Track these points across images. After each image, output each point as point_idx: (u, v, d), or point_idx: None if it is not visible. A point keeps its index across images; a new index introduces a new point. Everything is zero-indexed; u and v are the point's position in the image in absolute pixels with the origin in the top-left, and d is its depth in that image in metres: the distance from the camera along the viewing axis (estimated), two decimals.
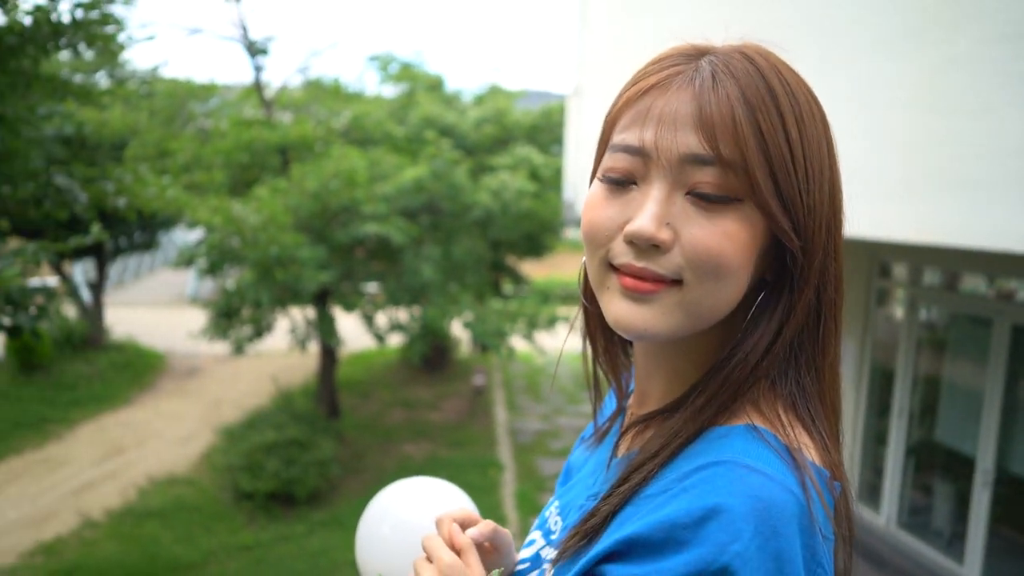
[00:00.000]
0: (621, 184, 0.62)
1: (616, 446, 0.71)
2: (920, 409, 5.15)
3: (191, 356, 11.89)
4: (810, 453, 0.60)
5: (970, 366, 4.73)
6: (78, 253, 10.17)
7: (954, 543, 4.63)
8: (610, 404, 0.85)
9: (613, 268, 0.62)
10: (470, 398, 10.07)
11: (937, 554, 4.69)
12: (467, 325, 7.88)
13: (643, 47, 0.82)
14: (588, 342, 0.80)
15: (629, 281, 0.60)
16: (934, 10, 3.04)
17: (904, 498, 5.17)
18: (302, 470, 6.95)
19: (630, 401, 0.77)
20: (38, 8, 2.83)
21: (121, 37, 3.36)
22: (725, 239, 0.58)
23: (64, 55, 3.47)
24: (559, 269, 15.20)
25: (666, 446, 0.60)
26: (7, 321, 2.96)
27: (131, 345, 11.69)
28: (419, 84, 10.31)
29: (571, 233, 12.20)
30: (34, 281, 3.33)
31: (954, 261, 4.69)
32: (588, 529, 0.61)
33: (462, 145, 9.07)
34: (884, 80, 3.29)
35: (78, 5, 2.90)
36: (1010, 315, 4.31)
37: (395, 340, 8.67)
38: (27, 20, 2.77)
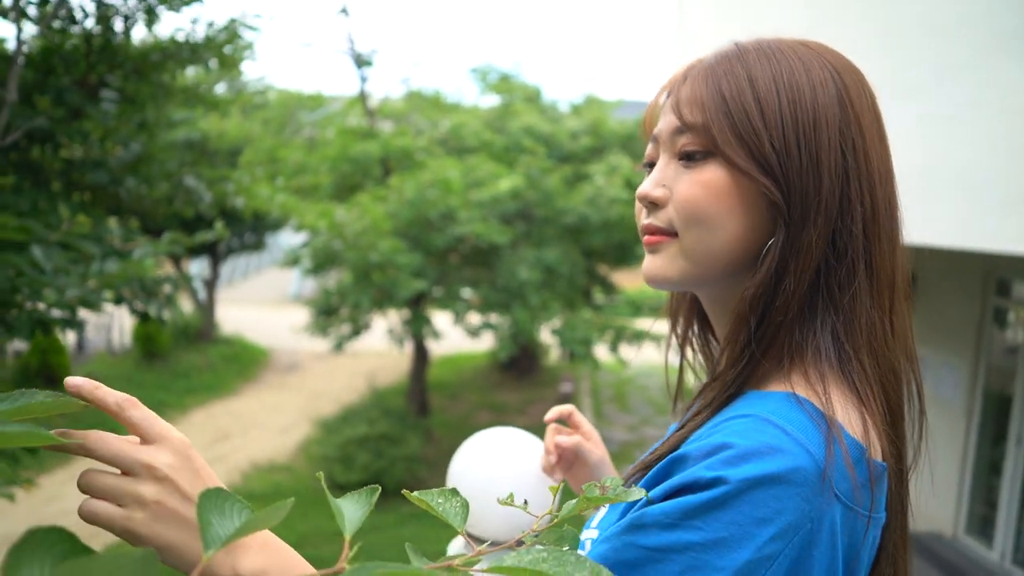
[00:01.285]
0: (650, 166, 0.76)
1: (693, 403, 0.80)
2: None
3: (293, 352, 12.53)
4: (851, 426, 0.63)
5: None
6: (195, 251, 10.95)
7: None
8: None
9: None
10: (557, 404, 10.10)
11: None
12: (555, 332, 7.93)
13: None
14: (677, 323, 0.87)
15: (645, 238, 0.73)
16: None
17: (1022, 533, 4.80)
18: (390, 463, 7.19)
19: None
20: (179, 30, 3.16)
21: (245, 53, 3.65)
22: (700, 187, 0.67)
23: (192, 68, 3.82)
24: None
25: (716, 397, 0.68)
26: (139, 307, 3.23)
27: (239, 339, 12.45)
28: (517, 95, 10.46)
29: None
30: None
31: None
32: (646, 464, 0.69)
33: (558, 154, 9.13)
34: (998, 84, 3.11)
35: (211, 26, 3.21)
36: None
37: (485, 342, 8.79)
38: (168, 40, 3.10)
